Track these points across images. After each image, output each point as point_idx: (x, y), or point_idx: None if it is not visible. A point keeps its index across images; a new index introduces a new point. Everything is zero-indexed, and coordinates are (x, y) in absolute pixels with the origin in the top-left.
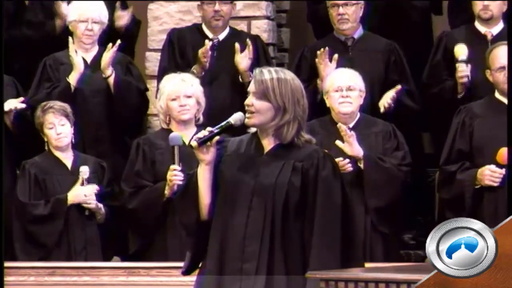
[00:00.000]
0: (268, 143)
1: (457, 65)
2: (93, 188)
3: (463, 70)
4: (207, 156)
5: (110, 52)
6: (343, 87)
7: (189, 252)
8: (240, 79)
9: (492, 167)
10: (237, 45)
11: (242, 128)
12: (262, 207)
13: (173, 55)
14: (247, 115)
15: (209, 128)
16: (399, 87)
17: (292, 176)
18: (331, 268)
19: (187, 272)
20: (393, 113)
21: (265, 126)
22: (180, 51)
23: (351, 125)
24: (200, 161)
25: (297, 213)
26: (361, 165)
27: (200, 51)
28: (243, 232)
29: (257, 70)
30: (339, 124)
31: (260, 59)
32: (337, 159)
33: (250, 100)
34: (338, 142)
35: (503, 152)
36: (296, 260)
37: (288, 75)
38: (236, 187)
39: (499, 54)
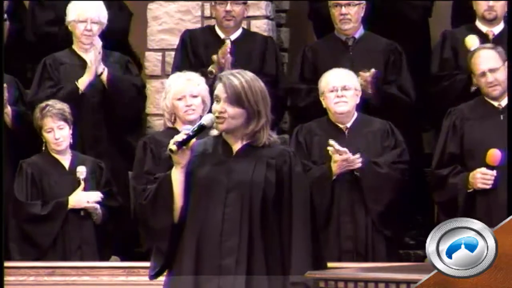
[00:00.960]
0: (236, 144)
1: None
2: (97, 195)
3: None
4: (183, 159)
5: (95, 50)
6: (338, 87)
7: (157, 256)
8: None
9: (483, 169)
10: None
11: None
12: (238, 203)
13: (186, 55)
14: (217, 120)
15: (185, 131)
16: (372, 70)
17: (267, 173)
18: (310, 267)
19: (156, 276)
20: (380, 104)
21: (237, 131)
22: (193, 50)
23: (348, 125)
24: (176, 164)
25: (273, 208)
26: (358, 174)
27: (220, 51)
28: (220, 228)
29: (223, 75)
30: (331, 142)
31: (270, 61)
32: (347, 155)
33: (222, 106)
34: (332, 153)
35: (492, 153)
36: (275, 255)
37: (251, 76)
38: (209, 185)
39: (478, 61)
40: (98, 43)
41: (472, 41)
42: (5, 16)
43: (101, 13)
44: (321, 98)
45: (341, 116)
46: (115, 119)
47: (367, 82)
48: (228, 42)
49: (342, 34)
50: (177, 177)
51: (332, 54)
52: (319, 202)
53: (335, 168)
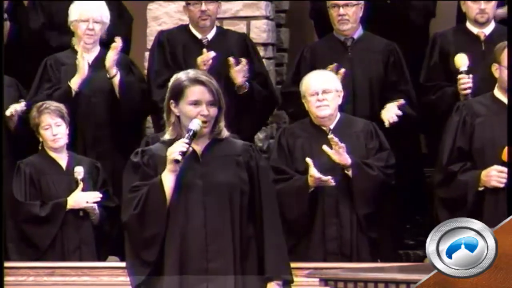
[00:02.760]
0: (198, 144)
1: (458, 77)
2: (96, 196)
3: (466, 82)
4: (179, 167)
5: (114, 51)
6: (318, 91)
7: (140, 266)
8: (236, 89)
9: (499, 167)
10: (231, 60)
11: None
12: (217, 205)
13: (164, 57)
14: (203, 124)
15: (183, 140)
16: (402, 101)
17: (240, 172)
18: (284, 261)
19: (142, 285)
20: (395, 125)
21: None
22: (171, 52)
23: (331, 126)
24: (172, 172)
25: (249, 205)
26: (349, 173)
27: (200, 59)
28: (204, 232)
29: (199, 77)
30: (330, 136)
31: (252, 58)
32: (318, 175)
33: (207, 109)
34: (325, 148)
35: (509, 150)
36: (254, 252)
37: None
38: (186, 190)
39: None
40: (119, 44)
41: (461, 60)
42: (6, 16)
43: (103, 13)
44: (303, 101)
45: (323, 120)
46: (121, 122)
47: (399, 115)
48: (205, 51)
49: (340, 34)
50: (170, 184)
51: (331, 54)
52: (297, 211)
53: (311, 182)
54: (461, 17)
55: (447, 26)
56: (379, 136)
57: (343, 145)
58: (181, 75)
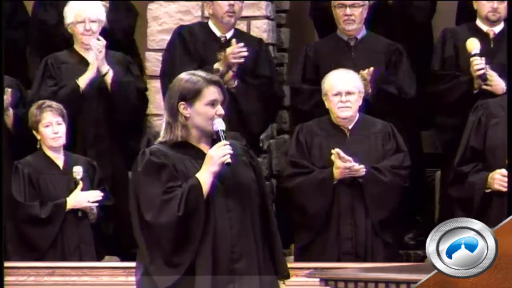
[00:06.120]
0: (202, 145)
1: (471, 59)
2: (97, 194)
3: (478, 63)
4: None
5: (95, 48)
6: (342, 92)
7: (172, 267)
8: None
9: (503, 171)
10: (233, 41)
11: None
12: (240, 207)
13: (187, 52)
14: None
15: (223, 142)
16: (371, 68)
17: (250, 172)
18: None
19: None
20: (379, 103)
21: None
22: (193, 47)
23: (350, 126)
24: (212, 174)
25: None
26: (360, 180)
27: (229, 50)
28: (230, 233)
29: (213, 78)
30: (336, 150)
31: (264, 62)
32: (350, 164)
33: (222, 109)
34: (335, 158)
35: None
36: (266, 251)
37: None
38: (209, 191)
39: None
40: (96, 42)
41: (473, 44)
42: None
43: (98, 11)
44: (323, 98)
45: (343, 121)
46: (116, 120)
47: (367, 80)
48: (234, 42)
49: (345, 34)
50: (209, 186)
51: (334, 54)
52: (319, 204)
53: (337, 174)
54: (461, 16)
55: (448, 23)
56: (396, 137)
57: (350, 158)
58: (191, 77)
